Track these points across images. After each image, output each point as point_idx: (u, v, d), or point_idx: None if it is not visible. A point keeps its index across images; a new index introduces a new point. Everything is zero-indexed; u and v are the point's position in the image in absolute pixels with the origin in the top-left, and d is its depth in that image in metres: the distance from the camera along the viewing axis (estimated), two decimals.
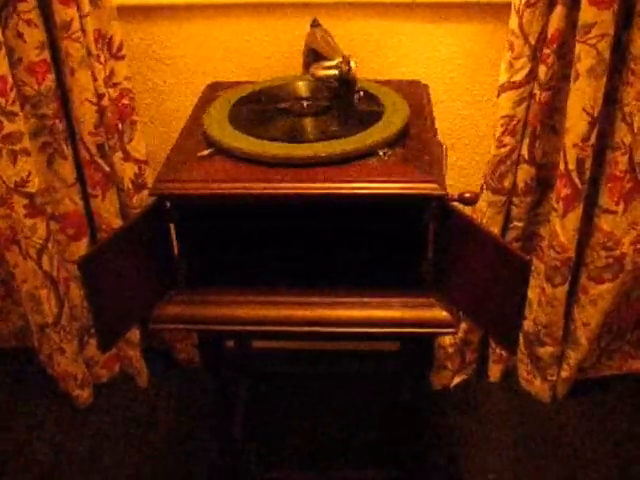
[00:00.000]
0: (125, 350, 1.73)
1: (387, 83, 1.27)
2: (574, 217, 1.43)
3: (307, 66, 1.27)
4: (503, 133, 1.40)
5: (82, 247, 1.56)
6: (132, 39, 1.48)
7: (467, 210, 1.08)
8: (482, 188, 1.48)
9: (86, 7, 1.32)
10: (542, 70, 1.32)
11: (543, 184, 1.50)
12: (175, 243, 1.11)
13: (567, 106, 1.33)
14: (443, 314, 1.08)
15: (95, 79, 1.38)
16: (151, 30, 1.48)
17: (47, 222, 1.49)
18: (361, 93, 1.17)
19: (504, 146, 1.41)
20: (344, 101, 1.16)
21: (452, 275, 1.07)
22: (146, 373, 1.76)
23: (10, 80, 1.32)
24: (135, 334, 1.69)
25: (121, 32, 1.40)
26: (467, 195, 1.04)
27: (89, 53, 1.35)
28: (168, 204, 1.06)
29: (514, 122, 1.38)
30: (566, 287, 1.53)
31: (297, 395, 1.70)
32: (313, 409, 1.67)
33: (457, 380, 1.74)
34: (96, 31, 1.36)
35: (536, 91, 1.35)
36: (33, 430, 1.65)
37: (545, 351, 1.63)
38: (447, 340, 1.64)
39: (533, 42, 1.31)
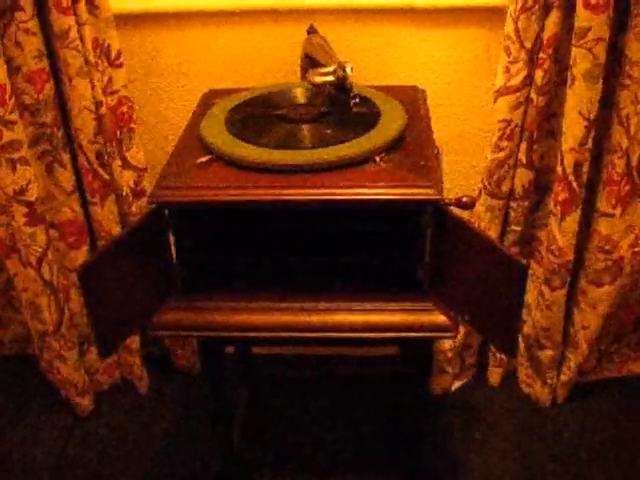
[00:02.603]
0: (125, 357, 1.73)
1: (384, 89, 1.28)
2: (572, 221, 1.43)
3: (304, 73, 1.28)
4: (500, 137, 1.40)
5: (82, 255, 1.56)
6: (130, 47, 1.49)
7: (465, 214, 1.09)
8: (480, 192, 1.48)
9: (84, 16, 1.32)
10: (538, 74, 1.32)
11: (541, 188, 1.50)
12: (173, 250, 1.11)
13: (564, 110, 1.34)
14: (441, 318, 1.09)
15: (93, 87, 1.38)
16: (149, 38, 1.49)
17: (47, 230, 1.49)
18: (357, 99, 1.18)
19: (501, 150, 1.41)
20: (341, 107, 1.17)
21: (450, 279, 1.07)
22: (146, 380, 1.76)
23: (9, 89, 1.32)
24: (135, 341, 1.69)
25: (119, 40, 1.41)
26: (465, 199, 1.04)
27: (87, 61, 1.36)
28: (166, 211, 1.07)
29: (511, 126, 1.39)
30: (565, 290, 1.53)
31: (296, 400, 1.70)
32: (312, 414, 1.66)
33: (457, 384, 1.74)
34: (94, 40, 1.37)
35: (533, 95, 1.35)
36: (33, 437, 1.65)
37: (545, 354, 1.63)
38: (447, 344, 1.64)
39: (529, 47, 1.31)
